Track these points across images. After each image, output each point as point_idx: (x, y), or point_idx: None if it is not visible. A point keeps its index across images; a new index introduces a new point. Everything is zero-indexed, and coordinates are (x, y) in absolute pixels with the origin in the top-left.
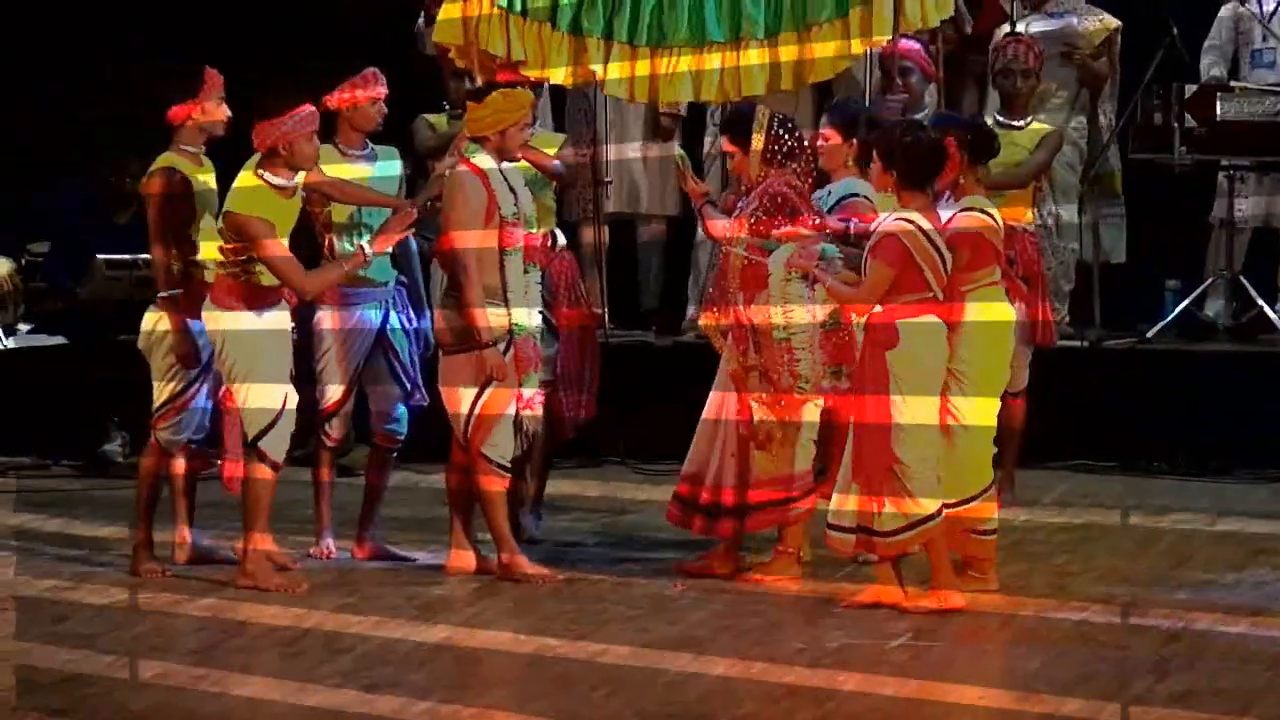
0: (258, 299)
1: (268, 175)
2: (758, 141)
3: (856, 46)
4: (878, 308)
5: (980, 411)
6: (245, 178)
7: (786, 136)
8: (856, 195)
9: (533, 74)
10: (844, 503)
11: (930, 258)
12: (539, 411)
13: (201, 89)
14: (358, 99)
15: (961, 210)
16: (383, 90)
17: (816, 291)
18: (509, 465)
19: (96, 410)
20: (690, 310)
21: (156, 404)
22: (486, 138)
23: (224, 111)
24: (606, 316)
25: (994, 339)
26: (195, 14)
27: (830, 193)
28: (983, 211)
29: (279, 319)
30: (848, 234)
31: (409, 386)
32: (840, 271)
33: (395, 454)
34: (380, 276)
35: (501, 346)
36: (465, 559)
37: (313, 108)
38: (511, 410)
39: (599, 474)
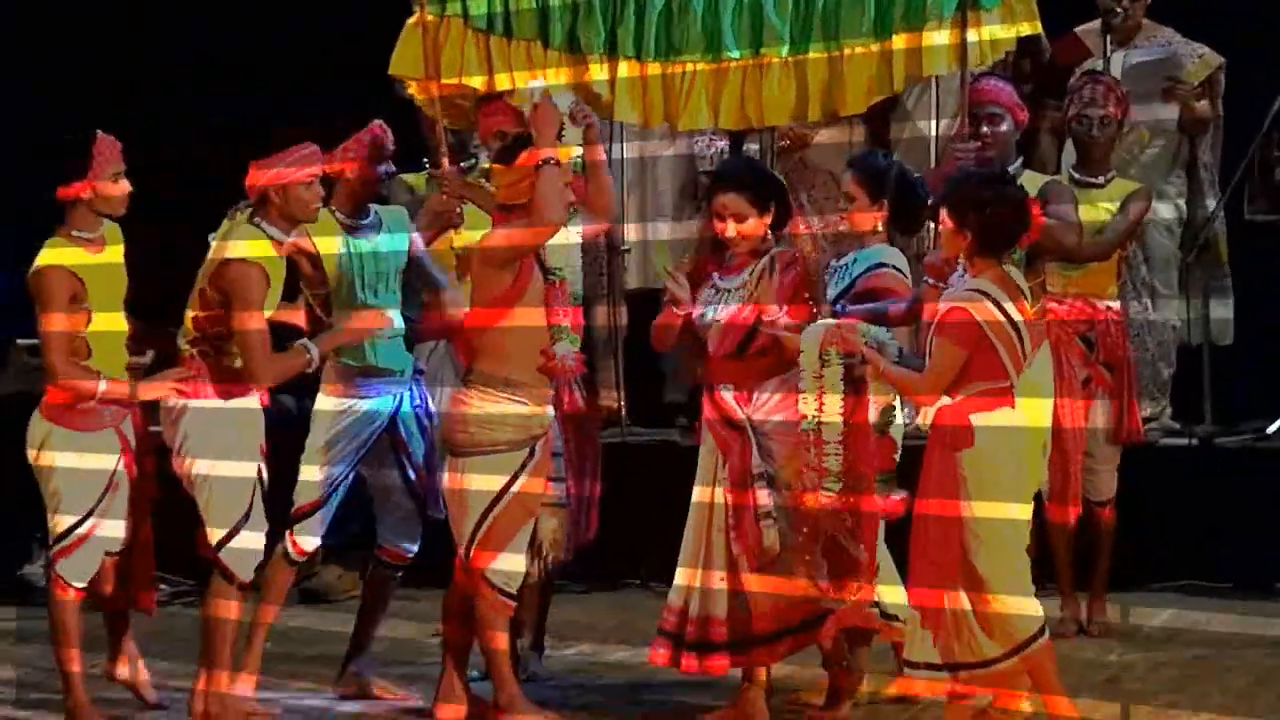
0: (230, 383)
1: (264, 225)
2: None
3: (899, 80)
4: (945, 399)
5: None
6: (242, 232)
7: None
8: (885, 265)
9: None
10: (919, 635)
11: (1007, 338)
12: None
13: (93, 163)
14: (364, 155)
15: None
16: (390, 146)
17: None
18: (514, 593)
19: (16, 526)
20: None
21: (53, 536)
22: (520, 205)
23: (122, 187)
24: (624, 411)
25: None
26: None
27: (855, 260)
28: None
29: (250, 407)
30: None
31: (424, 495)
32: (893, 356)
33: (400, 574)
34: (393, 364)
35: (524, 454)
36: (455, 705)
37: (314, 146)
38: (528, 528)
39: (613, 598)
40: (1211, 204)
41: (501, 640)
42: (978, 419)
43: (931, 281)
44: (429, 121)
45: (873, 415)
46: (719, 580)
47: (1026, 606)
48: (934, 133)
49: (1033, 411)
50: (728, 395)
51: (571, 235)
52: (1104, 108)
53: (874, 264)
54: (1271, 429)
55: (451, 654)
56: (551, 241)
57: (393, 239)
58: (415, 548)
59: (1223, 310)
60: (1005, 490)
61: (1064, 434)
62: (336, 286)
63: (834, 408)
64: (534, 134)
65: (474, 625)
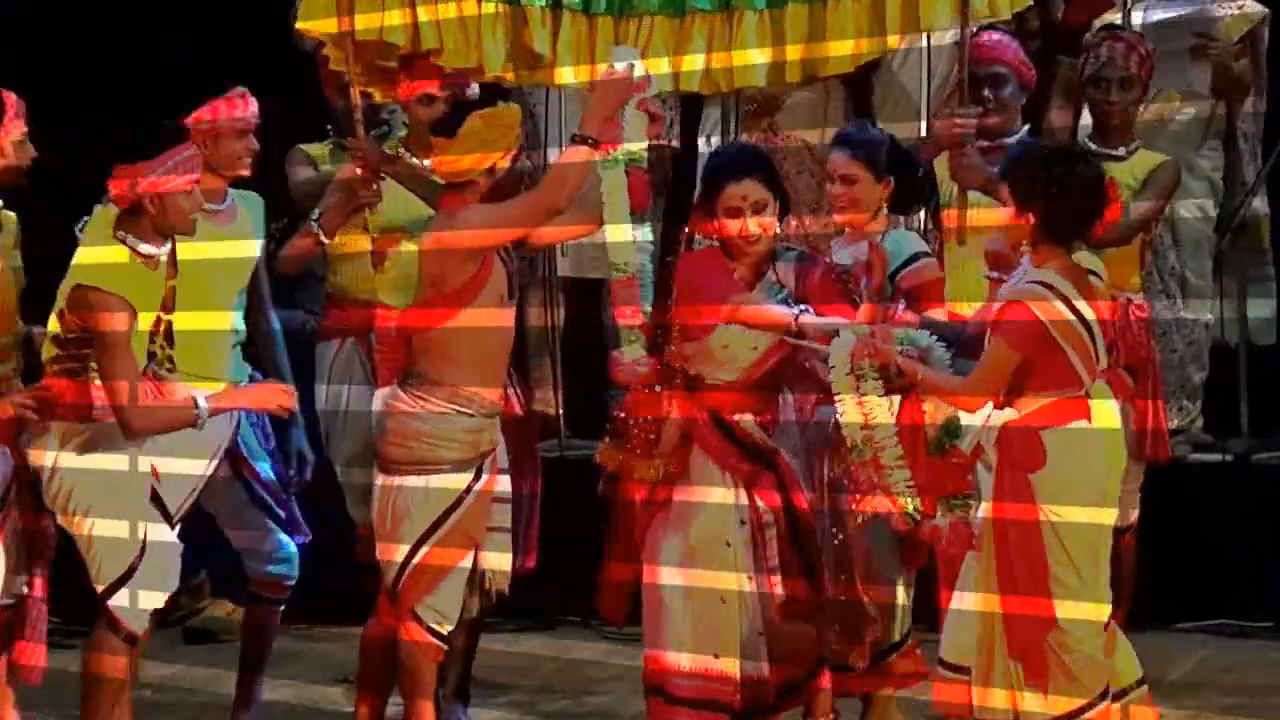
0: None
1: (131, 240)
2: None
3: (893, 37)
4: (1009, 410)
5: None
6: (102, 251)
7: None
8: (920, 256)
9: (453, 65)
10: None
11: (1077, 338)
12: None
13: (3, 118)
14: (219, 128)
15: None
16: (253, 116)
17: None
18: (445, 634)
19: None
20: None
21: None
22: (471, 181)
23: (29, 151)
24: (561, 419)
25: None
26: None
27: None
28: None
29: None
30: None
31: (283, 515)
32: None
33: (281, 606)
34: (230, 374)
35: (471, 475)
36: None
37: (196, 149)
38: (469, 558)
39: (552, 638)
40: (1252, 179)
41: (427, 687)
42: (1049, 436)
43: (994, 275)
44: (337, 83)
45: (931, 430)
46: (757, 630)
47: (1102, 661)
48: (924, 97)
49: (1104, 416)
50: (748, 422)
51: (642, 233)
52: (1125, 68)
53: (908, 256)
54: None
55: (366, 703)
56: (616, 238)
57: (241, 246)
58: (293, 572)
59: (1263, 305)
60: (1089, 517)
61: None
62: (181, 279)
63: (886, 428)
64: (590, 99)
65: (395, 669)
